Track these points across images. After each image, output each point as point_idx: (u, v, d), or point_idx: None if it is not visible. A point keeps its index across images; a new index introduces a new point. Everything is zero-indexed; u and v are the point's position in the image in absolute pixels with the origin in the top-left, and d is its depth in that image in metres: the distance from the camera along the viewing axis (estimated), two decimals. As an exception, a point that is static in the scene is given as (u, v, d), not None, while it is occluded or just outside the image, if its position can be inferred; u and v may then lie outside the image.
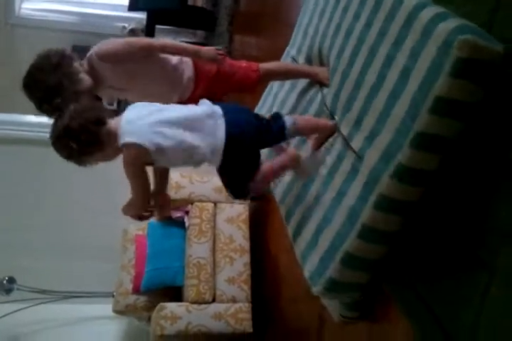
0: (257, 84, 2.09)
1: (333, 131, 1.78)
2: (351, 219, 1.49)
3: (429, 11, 1.35)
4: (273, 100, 2.43)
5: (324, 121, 1.84)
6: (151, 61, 1.93)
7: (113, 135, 1.62)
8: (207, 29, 5.42)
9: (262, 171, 1.75)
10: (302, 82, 2.19)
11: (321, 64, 2.07)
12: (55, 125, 1.64)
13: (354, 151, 1.57)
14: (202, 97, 2.00)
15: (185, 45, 2.00)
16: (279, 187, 2.06)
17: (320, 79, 2.01)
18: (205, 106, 1.73)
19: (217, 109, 1.69)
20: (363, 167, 1.50)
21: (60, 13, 5.91)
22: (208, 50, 1.93)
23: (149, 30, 5.18)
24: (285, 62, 2.41)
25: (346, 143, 1.65)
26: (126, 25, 5.82)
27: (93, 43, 1.95)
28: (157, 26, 5.24)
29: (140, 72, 1.93)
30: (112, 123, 1.64)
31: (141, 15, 5.56)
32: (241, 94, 2.24)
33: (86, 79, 1.87)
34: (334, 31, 1.93)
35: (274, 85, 2.47)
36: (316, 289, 1.59)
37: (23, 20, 5.67)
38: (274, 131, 1.72)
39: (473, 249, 1.32)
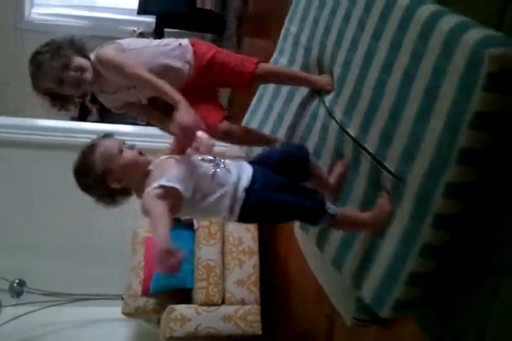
0: (253, 77, 1.99)
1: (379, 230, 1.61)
2: (407, 241, 1.47)
3: (448, 21, 1.32)
4: (266, 112, 2.34)
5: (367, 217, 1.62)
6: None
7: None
8: (215, 32, 5.44)
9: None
10: (299, 94, 2.12)
11: (320, 73, 2.02)
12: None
13: (391, 173, 1.53)
14: (196, 83, 1.96)
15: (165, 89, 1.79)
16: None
17: (321, 87, 1.95)
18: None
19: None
20: (408, 188, 1.47)
21: (70, 18, 5.95)
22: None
23: (158, 34, 5.21)
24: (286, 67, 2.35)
25: (379, 163, 1.60)
26: (135, 29, 5.85)
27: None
28: (166, 29, 5.27)
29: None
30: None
31: (150, 19, 5.59)
32: (236, 88, 2.15)
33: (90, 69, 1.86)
34: (335, 41, 1.88)
35: (265, 95, 2.37)
36: (383, 312, 1.56)
37: (33, 25, 5.71)
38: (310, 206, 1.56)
39: (485, 254, 1.32)
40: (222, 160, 1.62)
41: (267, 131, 2.29)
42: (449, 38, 1.30)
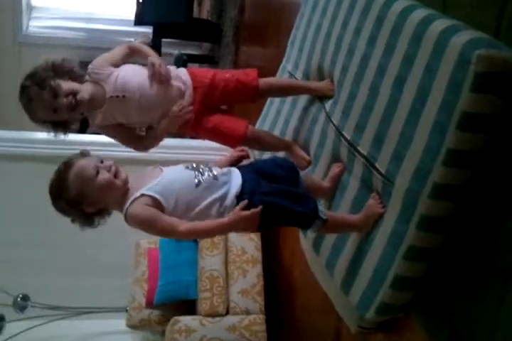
0: (258, 87, 1.98)
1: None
2: (394, 242, 1.47)
3: (438, 25, 1.33)
4: (275, 117, 2.37)
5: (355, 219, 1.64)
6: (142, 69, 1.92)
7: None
8: (212, 41, 5.46)
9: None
10: (303, 100, 2.14)
11: (321, 79, 2.03)
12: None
13: (382, 175, 1.54)
14: (203, 106, 1.95)
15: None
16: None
17: (323, 93, 1.96)
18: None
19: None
20: (396, 190, 1.47)
21: (67, 30, 5.98)
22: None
23: (156, 44, 5.22)
24: (284, 77, 2.36)
25: (371, 165, 1.61)
26: (132, 39, 5.87)
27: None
28: (163, 40, 5.29)
29: (133, 76, 1.90)
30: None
31: (147, 30, 5.61)
32: (244, 103, 2.14)
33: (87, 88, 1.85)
34: (335, 47, 1.90)
35: (275, 101, 2.40)
36: (368, 315, 1.56)
37: (31, 38, 5.74)
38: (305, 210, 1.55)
39: (490, 258, 1.30)
40: (208, 167, 1.60)
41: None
42: (439, 40, 1.31)
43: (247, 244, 3.04)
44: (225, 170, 1.62)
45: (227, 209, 1.52)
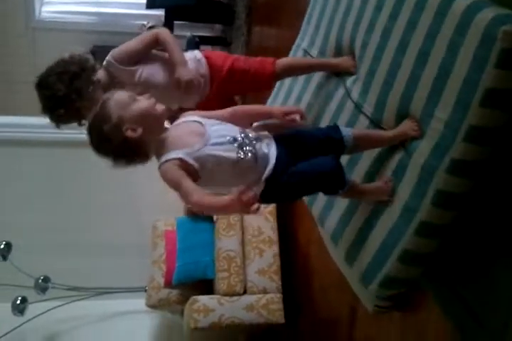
0: (274, 77, 2.01)
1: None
2: (406, 217, 1.47)
3: (463, 1, 1.32)
4: (286, 95, 2.35)
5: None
6: (167, 64, 1.92)
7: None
8: (225, 23, 5.41)
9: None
10: (318, 76, 2.13)
11: (338, 55, 2.02)
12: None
13: (402, 146, 1.55)
14: (219, 96, 1.98)
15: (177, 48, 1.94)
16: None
17: (344, 69, 1.94)
18: None
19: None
20: (413, 163, 1.48)
21: (80, 14, 5.96)
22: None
23: (168, 27, 5.19)
24: (298, 55, 2.34)
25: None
26: (145, 23, 5.84)
27: (113, 42, 1.97)
28: (175, 22, 5.26)
29: (156, 74, 1.92)
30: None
31: (159, 12, 5.57)
32: (259, 92, 2.13)
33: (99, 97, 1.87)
34: (354, 22, 1.89)
35: (286, 80, 2.36)
36: (371, 287, 1.58)
37: (43, 23, 5.73)
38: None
39: (503, 236, 1.31)
40: (253, 144, 1.54)
41: None
42: (464, 17, 1.30)
43: (263, 225, 3.06)
44: (264, 147, 1.56)
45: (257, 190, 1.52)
